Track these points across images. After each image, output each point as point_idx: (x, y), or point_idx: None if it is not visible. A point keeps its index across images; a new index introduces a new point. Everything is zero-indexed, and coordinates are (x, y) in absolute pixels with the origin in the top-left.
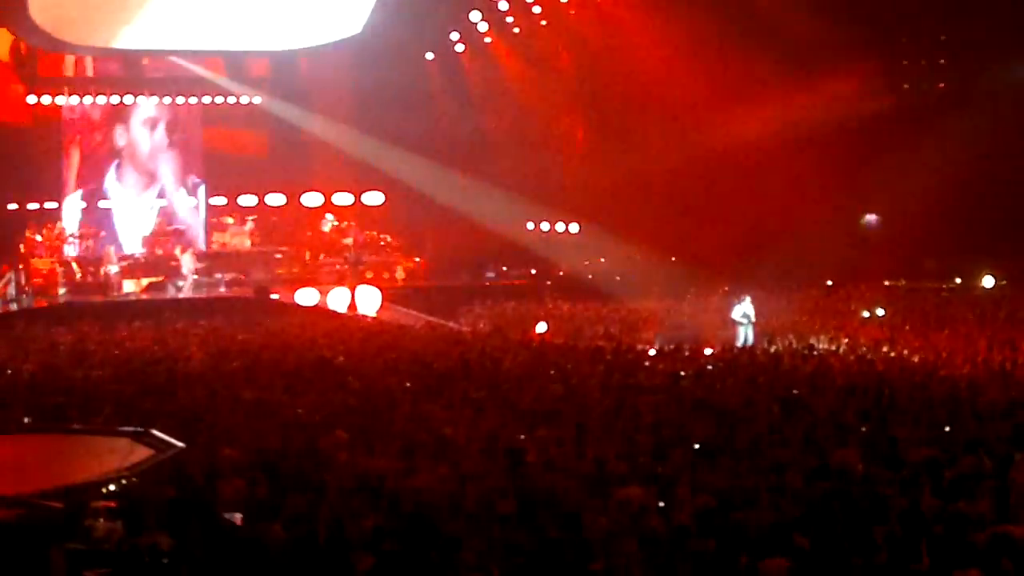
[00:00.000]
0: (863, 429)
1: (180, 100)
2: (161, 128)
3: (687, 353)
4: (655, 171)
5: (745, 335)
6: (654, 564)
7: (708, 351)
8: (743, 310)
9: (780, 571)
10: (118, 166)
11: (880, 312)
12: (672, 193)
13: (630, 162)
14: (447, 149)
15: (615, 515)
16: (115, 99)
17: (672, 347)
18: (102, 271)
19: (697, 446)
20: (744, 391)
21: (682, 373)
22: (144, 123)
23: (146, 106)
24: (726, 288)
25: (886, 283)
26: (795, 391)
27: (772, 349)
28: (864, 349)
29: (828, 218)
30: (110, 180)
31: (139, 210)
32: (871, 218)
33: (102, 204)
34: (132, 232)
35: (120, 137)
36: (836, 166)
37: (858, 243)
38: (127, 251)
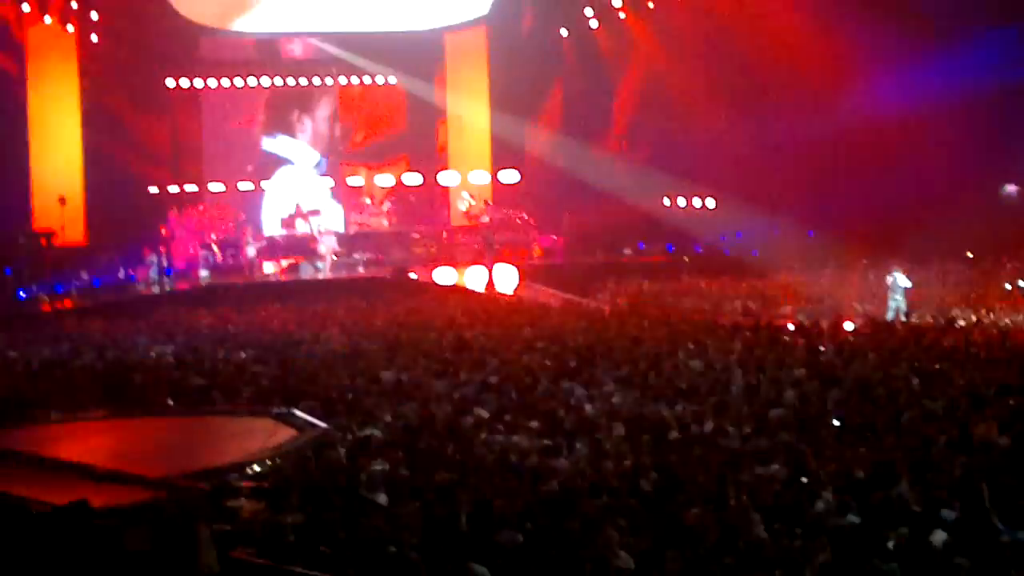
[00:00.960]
0: (1011, 402)
1: (317, 81)
2: (298, 110)
3: (826, 327)
4: (792, 144)
5: (898, 307)
6: (795, 541)
7: (848, 325)
8: (895, 281)
9: (937, 544)
10: (256, 149)
11: (1023, 284)
12: (809, 166)
13: (766, 135)
14: (583, 125)
15: (756, 492)
16: (252, 81)
17: (811, 321)
18: (242, 253)
19: (837, 422)
20: (884, 365)
21: (821, 348)
22: (282, 105)
23: (283, 88)
24: (865, 261)
25: None
26: (936, 365)
27: (913, 322)
28: (1007, 322)
29: (968, 189)
30: (249, 162)
31: (278, 192)
32: (1012, 188)
33: (241, 186)
34: (272, 214)
35: (258, 120)
36: (976, 136)
37: (999, 214)
38: (266, 233)
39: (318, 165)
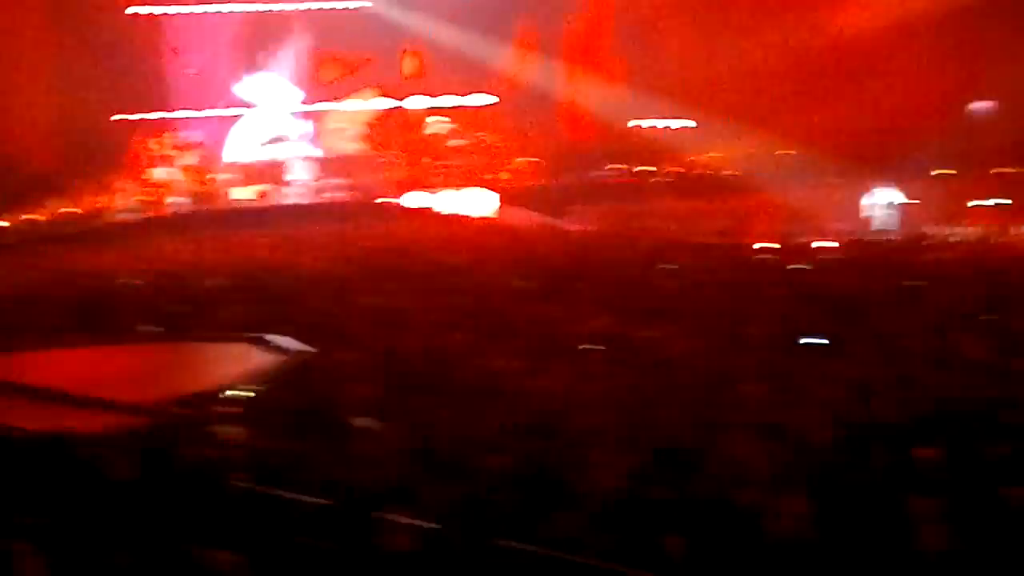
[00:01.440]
0: (990, 317)
1: (287, 6)
2: (268, 35)
3: (802, 246)
4: (766, 62)
5: (886, 221)
6: (779, 459)
7: (823, 243)
8: (886, 196)
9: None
10: (225, 75)
11: (991, 200)
12: (784, 84)
13: (741, 54)
14: (556, 47)
15: (736, 410)
16: (221, 7)
17: (787, 240)
18: (216, 180)
19: (812, 340)
20: (860, 282)
21: (797, 266)
22: (251, 31)
23: (252, 14)
24: (835, 180)
25: (996, 171)
26: (910, 280)
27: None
28: (976, 237)
29: (939, 106)
30: (219, 89)
31: (249, 118)
32: (981, 105)
33: (212, 113)
34: (244, 139)
35: (227, 46)
36: (947, 52)
37: (968, 131)
38: (239, 159)
39: (290, 101)
